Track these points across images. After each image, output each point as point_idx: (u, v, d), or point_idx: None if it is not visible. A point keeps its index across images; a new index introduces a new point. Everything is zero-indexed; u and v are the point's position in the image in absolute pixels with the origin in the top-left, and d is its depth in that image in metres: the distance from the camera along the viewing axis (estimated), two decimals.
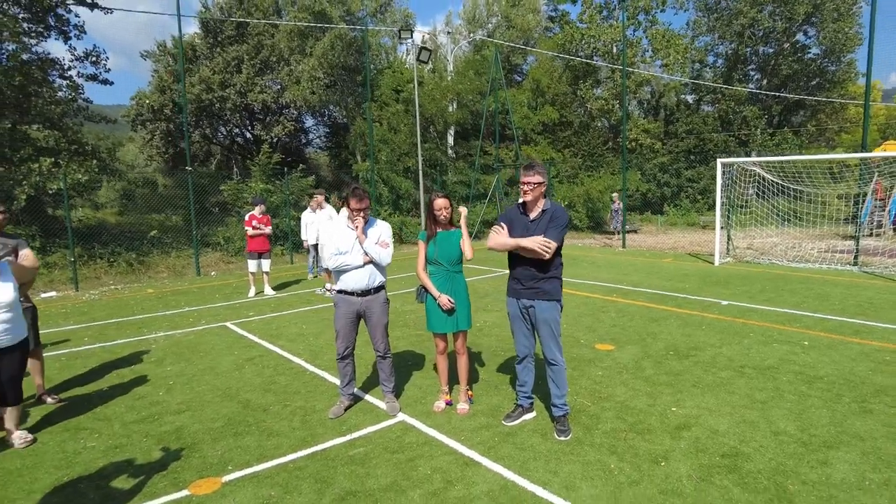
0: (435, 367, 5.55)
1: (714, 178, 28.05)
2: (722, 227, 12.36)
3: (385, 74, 24.69)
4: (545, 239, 3.79)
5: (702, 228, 22.97)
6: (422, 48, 16.36)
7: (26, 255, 4.56)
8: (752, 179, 14.23)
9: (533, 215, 3.95)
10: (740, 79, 30.66)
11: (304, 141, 33.78)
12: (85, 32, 14.09)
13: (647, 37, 29.42)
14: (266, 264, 9.94)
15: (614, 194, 18.64)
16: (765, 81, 30.70)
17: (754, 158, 13.30)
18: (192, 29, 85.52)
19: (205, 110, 27.92)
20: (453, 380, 4.91)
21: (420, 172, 17.21)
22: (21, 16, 12.59)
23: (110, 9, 14.64)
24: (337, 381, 5.32)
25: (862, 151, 11.44)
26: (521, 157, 24.14)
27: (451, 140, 23.92)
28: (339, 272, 4.33)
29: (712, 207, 27.72)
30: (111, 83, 15.19)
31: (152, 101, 27.03)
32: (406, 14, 26.03)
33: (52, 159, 11.50)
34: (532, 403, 4.40)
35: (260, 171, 16.07)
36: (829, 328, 6.81)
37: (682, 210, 28.13)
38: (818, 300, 8.41)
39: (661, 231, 22.68)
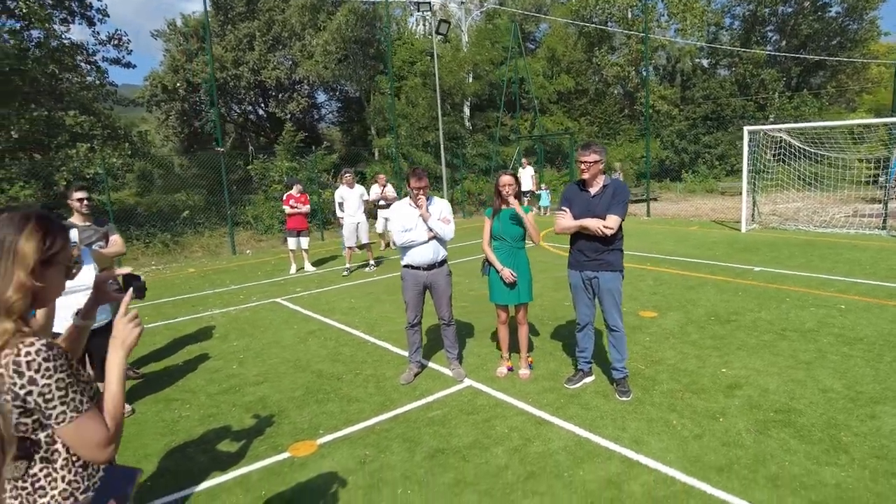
0: (493, 336, 5.86)
1: (732, 143, 28.08)
2: (748, 194, 12.46)
3: (398, 47, 24.57)
4: (603, 222, 4.02)
5: (721, 195, 22.95)
6: (441, 21, 16.30)
7: (115, 241, 4.85)
8: (772, 143, 14.19)
9: (594, 191, 4.17)
10: (758, 41, 30.13)
11: (316, 117, 33.82)
12: (108, 16, 14.23)
13: (663, 1, 28.87)
14: (305, 242, 10.25)
15: (617, 164, 18.45)
16: (783, 43, 30.13)
17: (786, 125, 13.19)
18: (193, 7, 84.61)
19: (219, 89, 28.00)
20: (512, 348, 5.20)
21: (441, 146, 17.32)
22: (48, 1, 12.74)
23: None
24: (398, 351, 5.66)
25: (893, 115, 11.42)
26: (538, 126, 24.09)
27: (467, 112, 23.91)
28: (406, 248, 4.60)
29: (730, 173, 27.67)
30: (134, 66, 15.35)
31: (166, 80, 27.08)
32: None
33: (88, 144, 11.79)
34: (591, 368, 4.70)
35: (284, 150, 16.28)
36: (862, 292, 7.01)
37: (700, 177, 28.02)
38: (849, 265, 8.59)
39: (680, 198, 22.69)
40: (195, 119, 29.85)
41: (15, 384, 1.33)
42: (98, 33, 14.42)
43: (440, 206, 4.63)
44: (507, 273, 4.47)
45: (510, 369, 4.91)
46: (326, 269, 10.73)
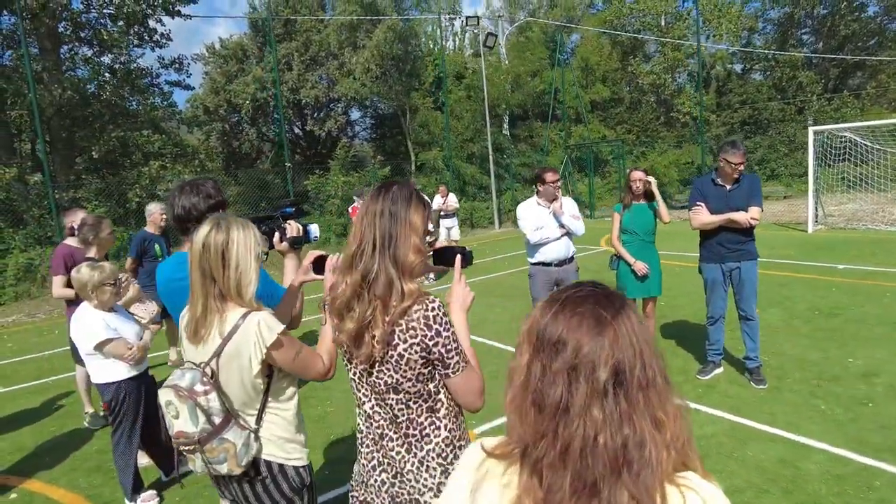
0: None
1: (772, 147, 27.78)
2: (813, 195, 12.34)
3: (437, 62, 24.99)
4: (749, 214, 4.16)
5: (764, 199, 22.66)
6: (489, 34, 16.62)
7: None
8: (827, 144, 13.99)
9: (730, 186, 4.30)
10: (794, 44, 29.91)
11: (350, 133, 34.48)
12: (171, 40, 14.87)
13: (696, 7, 28.90)
14: None
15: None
16: (820, 45, 29.86)
17: (852, 125, 13.06)
18: (225, 31, 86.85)
19: (259, 109, 28.79)
20: None
21: (491, 158, 17.57)
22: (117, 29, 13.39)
23: (189, 16, 15.37)
24: (511, 349, 5.79)
25: None
26: (574, 135, 24.22)
27: (506, 123, 24.19)
28: (536, 246, 4.75)
29: (771, 177, 27.38)
30: (192, 88, 15.95)
31: (207, 102, 27.87)
32: (452, 2, 26.20)
33: (159, 162, 12.30)
34: (721, 359, 4.79)
35: (339, 165, 16.69)
36: None
37: None
38: None
39: None
40: (234, 139, 30.63)
41: (426, 336, 1.51)
42: (162, 58, 15.07)
43: (569, 203, 4.80)
44: (641, 266, 4.61)
45: None
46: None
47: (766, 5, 30.26)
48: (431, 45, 29.19)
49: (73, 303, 4.56)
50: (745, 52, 29.58)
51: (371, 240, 1.53)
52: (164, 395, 1.75)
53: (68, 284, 4.52)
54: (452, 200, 12.06)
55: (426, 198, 1.74)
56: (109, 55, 12.81)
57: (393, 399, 1.58)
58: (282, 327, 1.78)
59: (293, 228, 2.28)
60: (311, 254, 2.19)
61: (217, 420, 1.72)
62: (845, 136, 12.98)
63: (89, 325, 3.16)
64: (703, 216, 4.36)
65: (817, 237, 11.58)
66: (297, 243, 2.32)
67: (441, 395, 1.63)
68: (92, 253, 3.97)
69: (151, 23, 13.59)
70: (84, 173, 12.37)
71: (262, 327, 1.74)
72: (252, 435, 1.79)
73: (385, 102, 27.00)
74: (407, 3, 25.28)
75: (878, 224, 12.36)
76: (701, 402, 4.23)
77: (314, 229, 2.42)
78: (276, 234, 2.27)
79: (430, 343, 1.51)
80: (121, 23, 12.23)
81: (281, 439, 1.86)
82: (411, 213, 1.57)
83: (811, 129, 11.97)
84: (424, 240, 1.64)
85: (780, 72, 28.96)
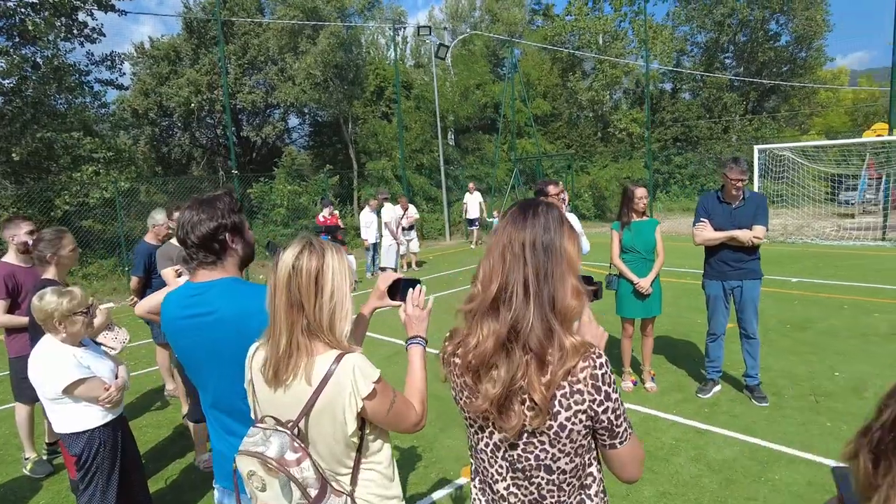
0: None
1: (701, 163, 29.35)
2: None
3: (378, 70, 24.65)
4: (752, 233, 4.14)
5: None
6: (440, 45, 16.49)
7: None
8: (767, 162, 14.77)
9: (735, 203, 4.27)
10: (718, 67, 31.81)
11: (287, 141, 33.45)
12: (104, 35, 13.75)
13: (632, 28, 30.19)
14: None
15: (560, 183, 18.22)
16: (742, 69, 31.91)
17: (794, 144, 13.86)
18: (146, 31, 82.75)
19: (192, 113, 27.36)
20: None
21: (442, 170, 17.39)
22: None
23: (125, 11, 14.31)
24: None
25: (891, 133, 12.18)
26: (515, 148, 24.52)
27: (451, 136, 24.16)
28: None
29: (701, 192, 28.86)
30: (126, 88, 14.84)
31: (136, 104, 26.19)
32: (398, 12, 26.02)
33: (93, 167, 11.24)
34: (721, 376, 4.75)
35: (284, 173, 15.98)
36: None
37: (672, 196, 29.10)
38: (884, 273, 9.02)
39: (664, 217, 23.43)
40: (163, 144, 28.98)
41: (594, 400, 1.22)
42: (92, 54, 13.89)
43: (572, 220, 4.63)
44: (646, 284, 4.50)
45: (635, 383, 4.91)
46: (358, 292, 10.48)
47: (694, 30, 32.04)
48: (372, 54, 28.87)
49: (13, 332, 3.91)
50: (678, 71, 31.13)
51: (521, 279, 1.22)
52: (245, 464, 1.41)
53: (11, 309, 3.87)
54: (413, 212, 11.79)
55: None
56: (32, 48, 11.63)
57: (542, 479, 1.28)
58: (377, 374, 1.46)
59: None
60: (387, 275, 1.87)
61: (314, 492, 1.39)
62: (784, 155, 13.79)
63: (57, 363, 2.63)
64: (706, 232, 4.31)
65: (765, 252, 12.11)
66: None
67: (593, 469, 1.34)
68: (50, 274, 3.38)
69: (81, 16, 12.48)
70: (2, 177, 11.13)
71: (358, 375, 1.42)
72: (349, 500, 1.46)
73: (326, 110, 26.35)
74: (350, 10, 24.77)
75: (811, 238, 13.13)
76: (711, 423, 4.14)
77: (352, 261, 2.08)
78: None
79: (599, 409, 1.23)
80: (46, 13, 11.12)
81: (379, 497, 1.55)
82: (567, 244, 1.27)
83: (756, 148, 12.62)
84: (580, 277, 1.34)
85: (708, 92, 30.68)
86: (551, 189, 4.41)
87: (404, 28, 17.63)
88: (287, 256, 1.45)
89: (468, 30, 31.66)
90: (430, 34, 16.89)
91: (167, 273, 4.40)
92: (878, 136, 17.62)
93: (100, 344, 3.17)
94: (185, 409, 4.93)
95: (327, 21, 21.66)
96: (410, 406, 1.55)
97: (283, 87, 23.74)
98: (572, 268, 1.28)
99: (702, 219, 4.36)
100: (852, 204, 19.12)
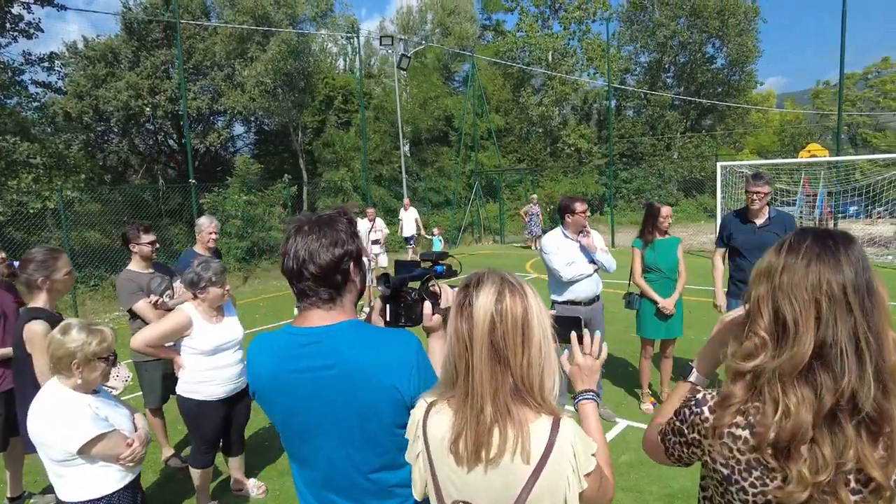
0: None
1: (645, 178, 30.49)
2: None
3: (326, 79, 24.16)
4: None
5: None
6: (402, 55, 16.27)
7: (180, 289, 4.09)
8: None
9: (760, 222, 4.24)
10: (661, 86, 33.22)
11: (232, 149, 32.22)
12: (42, 30, 12.68)
13: (580, 46, 31.04)
14: None
15: (533, 196, 18.40)
16: (682, 89, 33.43)
17: (753, 162, 14.46)
18: (75, 28, 78.20)
19: (132, 118, 25.83)
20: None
21: (404, 182, 17.11)
22: None
23: (63, 6, 13.31)
24: None
25: (837, 154, 12.94)
26: (471, 161, 24.59)
27: (406, 147, 23.95)
28: (568, 284, 4.33)
29: (648, 206, 29.95)
30: (65, 92, 13.76)
31: (68, 107, 24.47)
32: (351, 20, 25.67)
33: (32, 174, 10.24)
34: None
35: (238, 182, 15.23)
36: None
37: (618, 210, 29.97)
38: None
39: (617, 230, 24.01)
40: (98, 150, 27.26)
41: None
42: (30, 53, 12.79)
43: (597, 237, 4.49)
44: (670, 305, 4.40)
45: (654, 404, 4.80)
46: None
47: (638, 50, 33.33)
48: (322, 63, 28.31)
49: None
50: (624, 89, 32.21)
51: (848, 333, 1.00)
52: None
53: None
54: (382, 225, 11.42)
55: None
56: None
57: None
58: (594, 444, 1.19)
59: (447, 295, 1.64)
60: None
61: None
62: (743, 171, 14.39)
63: (70, 416, 2.18)
64: (714, 265, 4.41)
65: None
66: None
67: None
68: (40, 301, 2.89)
69: (16, 8, 11.43)
70: None
71: (579, 447, 1.16)
72: None
73: (275, 118, 25.56)
74: (301, 17, 24.22)
75: None
76: None
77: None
78: (427, 303, 1.61)
79: None
80: None
81: None
82: (880, 284, 1.06)
83: (719, 165, 13.07)
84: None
85: (651, 110, 31.92)
86: (578, 206, 4.26)
87: (358, 37, 17.23)
88: (486, 299, 1.16)
89: (422, 42, 31.63)
90: (392, 45, 16.62)
91: (143, 308, 3.94)
92: (813, 156, 18.80)
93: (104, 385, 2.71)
94: (166, 451, 4.43)
95: (278, 28, 21.04)
96: (607, 478, 1.29)
97: (231, 94, 22.82)
98: (888, 313, 1.07)
99: (721, 245, 4.38)
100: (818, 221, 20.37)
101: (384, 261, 11.55)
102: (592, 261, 4.30)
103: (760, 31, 31.67)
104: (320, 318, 1.47)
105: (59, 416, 2.19)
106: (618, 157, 31.38)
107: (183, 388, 3.45)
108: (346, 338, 1.44)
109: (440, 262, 1.77)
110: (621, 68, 33.10)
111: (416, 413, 1.29)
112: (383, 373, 1.39)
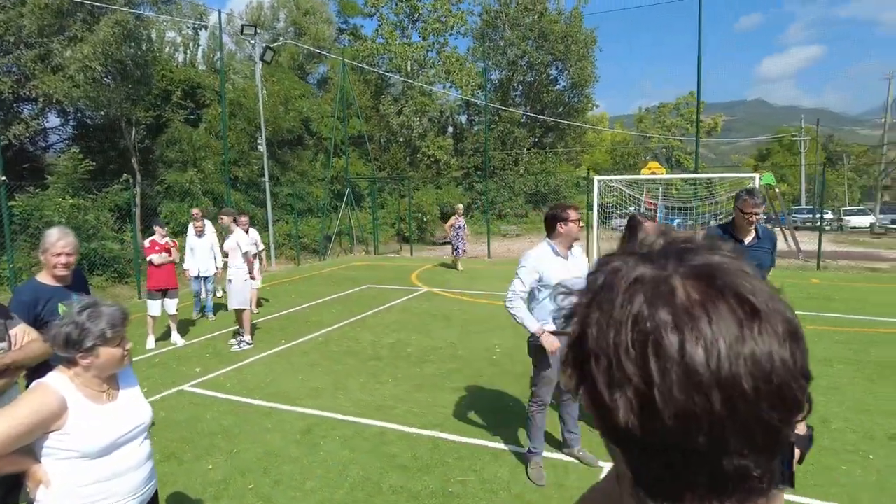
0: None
1: (497, 191, 31.68)
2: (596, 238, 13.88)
3: (165, 70, 21.30)
4: None
5: (503, 237, 25.69)
6: (266, 48, 14.65)
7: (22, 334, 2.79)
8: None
9: (748, 240, 4.03)
10: (511, 103, 34.86)
11: (44, 144, 26.98)
12: None
13: (440, 59, 31.30)
14: (172, 305, 7.76)
15: (458, 206, 17.78)
16: (528, 107, 35.40)
17: (625, 177, 15.21)
18: None
19: None
20: None
21: (268, 187, 15.40)
22: None
23: None
24: (463, 440, 4.58)
25: (696, 172, 14.16)
26: (332, 168, 23.40)
27: (262, 148, 21.97)
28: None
29: (500, 217, 31.09)
30: None
31: None
32: (200, 11, 22.93)
33: None
34: None
35: (64, 182, 12.40)
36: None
37: (473, 220, 30.65)
38: None
39: (476, 241, 24.37)
40: None
41: None
42: None
43: (580, 255, 3.95)
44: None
45: None
46: (203, 337, 8.28)
47: (490, 67, 34.60)
48: (161, 52, 25.00)
49: None
50: (477, 104, 33.13)
51: None
52: None
53: None
54: (256, 237, 9.88)
55: None
56: None
57: None
58: None
59: None
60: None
61: None
62: (613, 185, 15.18)
63: None
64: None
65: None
66: None
67: None
68: None
69: None
70: None
71: None
72: None
73: (103, 110, 21.78)
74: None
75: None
76: None
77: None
78: None
79: None
80: None
81: None
82: None
83: (596, 179, 13.57)
84: None
85: (503, 126, 33.26)
86: (572, 214, 3.72)
87: (220, 24, 15.20)
88: None
89: (278, 39, 29.48)
90: (254, 36, 14.89)
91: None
92: (653, 173, 20.77)
93: None
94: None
95: (111, 6, 17.89)
96: None
97: (46, 79, 18.89)
98: None
99: None
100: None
101: (258, 280, 9.98)
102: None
103: (597, 58, 34.54)
104: None
105: None
106: (473, 170, 32.17)
107: None
108: None
109: None
110: (475, 84, 34.10)
111: None
112: None
